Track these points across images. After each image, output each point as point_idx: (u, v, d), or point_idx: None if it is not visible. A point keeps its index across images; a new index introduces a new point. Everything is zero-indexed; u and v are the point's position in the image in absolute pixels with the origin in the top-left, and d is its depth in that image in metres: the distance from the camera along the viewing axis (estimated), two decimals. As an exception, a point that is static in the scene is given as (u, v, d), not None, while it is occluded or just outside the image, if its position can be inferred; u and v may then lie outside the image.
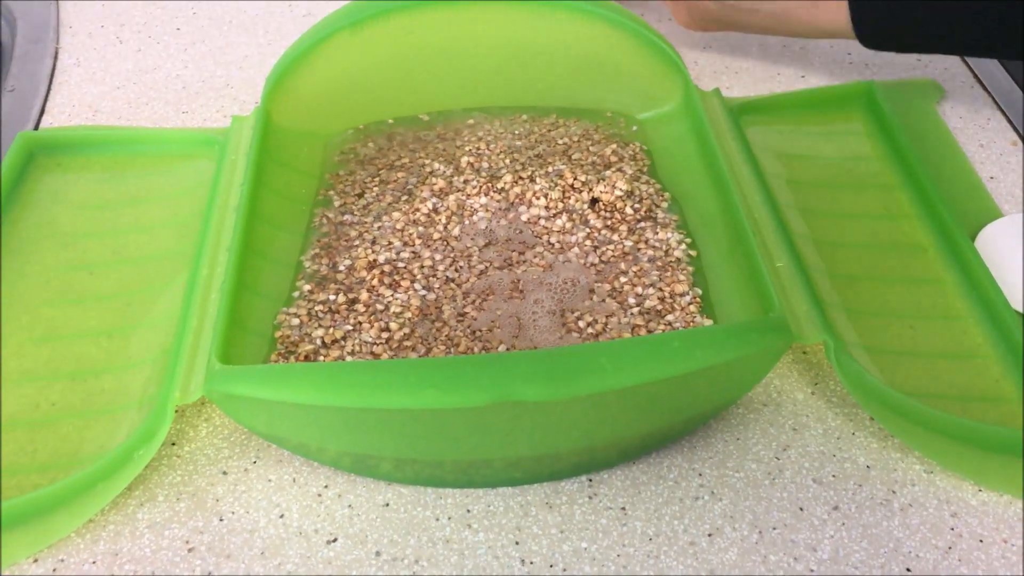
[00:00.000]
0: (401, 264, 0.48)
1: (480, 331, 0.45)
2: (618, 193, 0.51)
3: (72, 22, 0.71)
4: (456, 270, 0.48)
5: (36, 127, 0.60)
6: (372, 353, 0.44)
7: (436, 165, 0.54)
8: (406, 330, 0.45)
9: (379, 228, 0.50)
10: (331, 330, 0.45)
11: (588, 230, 0.50)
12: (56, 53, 0.68)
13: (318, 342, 0.44)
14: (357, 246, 0.49)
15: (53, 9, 0.72)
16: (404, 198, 0.52)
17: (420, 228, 0.50)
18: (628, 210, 0.51)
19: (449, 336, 0.45)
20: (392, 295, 0.47)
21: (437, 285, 0.47)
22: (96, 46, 0.68)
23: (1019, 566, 0.38)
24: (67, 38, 0.69)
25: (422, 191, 0.52)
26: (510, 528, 0.39)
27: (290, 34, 0.66)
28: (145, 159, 0.56)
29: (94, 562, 0.38)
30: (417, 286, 0.47)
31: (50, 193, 0.54)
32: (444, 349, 0.44)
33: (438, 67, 0.58)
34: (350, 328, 0.45)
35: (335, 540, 0.39)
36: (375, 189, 0.53)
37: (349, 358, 0.44)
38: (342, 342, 0.44)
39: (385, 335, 0.45)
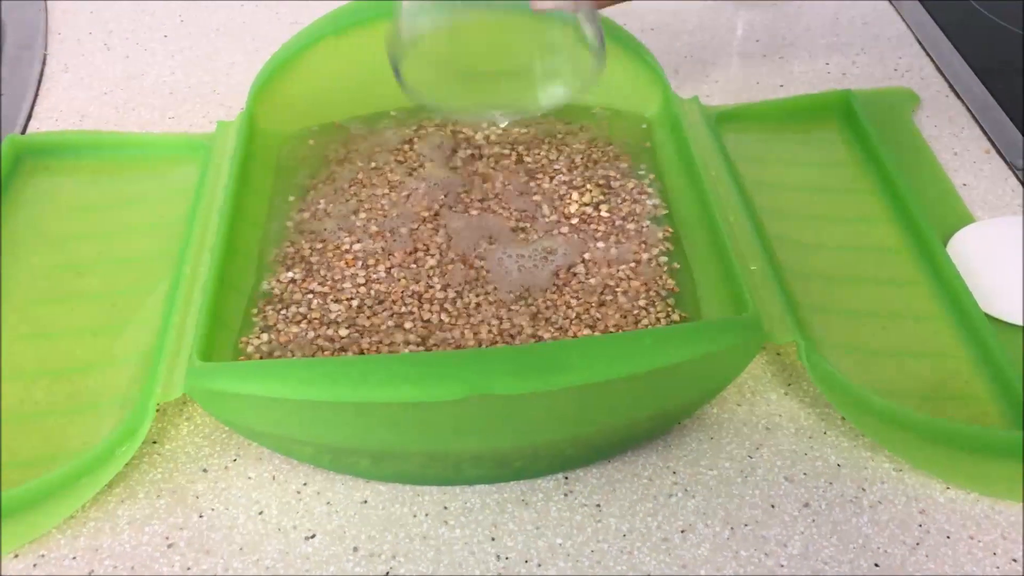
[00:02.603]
0: (377, 255, 0.49)
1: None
2: (598, 196, 0.52)
3: (60, 28, 0.72)
4: (436, 262, 0.49)
5: (23, 132, 0.61)
6: (342, 349, 0.44)
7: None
8: (372, 314, 0.46)
9: (357, 223, 0.51)
10: (306, 324, 0.45)
11: (567, 231, 0.51)
12: (44, 59, 0.68)
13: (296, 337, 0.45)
14: (334, 242, 0.50)
15: (42, 15, 0.73)
16: (386, 193, 0.53)
17: (402, 225, 0.51)
18: (606, 212, 0.52)
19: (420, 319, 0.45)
20: (365, 282, 0.47)
21: (417, 274, 0.48)
22: (84, 52, 0.69)
23: (984, 561, 0.38)
24: (55, 44, 0.70)
25: (404, 191, 0.53)
26: (486, 524, 0.40)
27: (276, 41, 0.66)
28: (132, 163, 0.57)
29: (74, 558, 0.39)
30: (394, 272, 0.48)
31: (38, 196, 0.55)
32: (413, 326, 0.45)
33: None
34: (326, 321, 0.46)
35: (313, 536, 0.39)
36: (354, 188, 0.54)
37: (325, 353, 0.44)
38: (316, 335, 0.45)
39: (351, 318, 0.45)
